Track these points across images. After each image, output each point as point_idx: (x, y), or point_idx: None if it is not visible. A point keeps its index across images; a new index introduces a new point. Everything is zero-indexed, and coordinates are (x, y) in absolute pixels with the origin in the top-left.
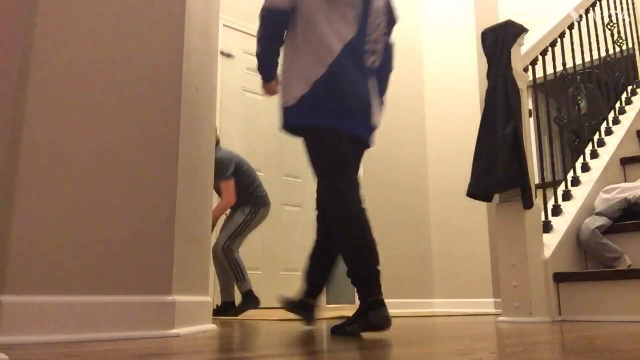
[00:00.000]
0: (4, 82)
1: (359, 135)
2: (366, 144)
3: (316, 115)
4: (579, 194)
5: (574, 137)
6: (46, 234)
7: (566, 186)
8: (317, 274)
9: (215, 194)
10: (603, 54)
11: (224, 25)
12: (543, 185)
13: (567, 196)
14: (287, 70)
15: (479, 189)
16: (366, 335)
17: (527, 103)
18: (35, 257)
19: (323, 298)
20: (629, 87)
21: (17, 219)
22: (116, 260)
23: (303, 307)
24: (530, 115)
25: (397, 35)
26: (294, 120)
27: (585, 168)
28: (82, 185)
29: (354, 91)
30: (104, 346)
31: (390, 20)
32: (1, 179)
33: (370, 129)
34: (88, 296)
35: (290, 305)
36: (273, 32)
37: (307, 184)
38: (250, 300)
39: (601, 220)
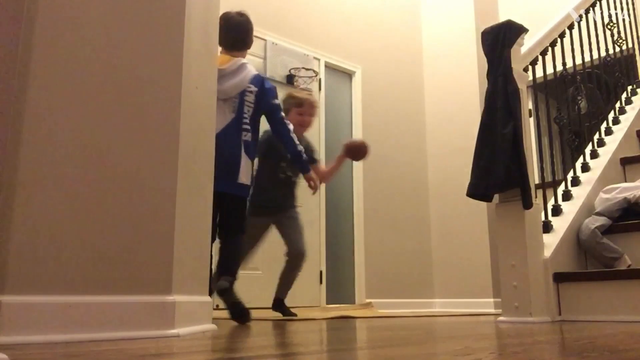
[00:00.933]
0: (3, 82)
1: (223, 191)
2: (234, 195)
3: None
4: (579, 194)
5: (574, 137)
6: (46, 234)
7: (566, 186)
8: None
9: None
10: (603, 54)
11: None
12: (543, 185)
13: (567, 196)
14: None
15: (478, 189)
16: (366, 335)
17: (527, 103)
18: (35, 257)
19: (323, 298)
20: (629, 87)
21: (17, 219)
22: (116, 260)
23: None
24: (530, 115)
25: (398, 35)
26: None
27: (585, 168)
28: (82, 185)
29: (221, 162)
30: (104, 346)
31: (263, 106)
32: (1, 179)
33: (236, 185)
34: (88, 296)
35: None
36: None
37: (307, 183)
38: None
39: (601, 220)
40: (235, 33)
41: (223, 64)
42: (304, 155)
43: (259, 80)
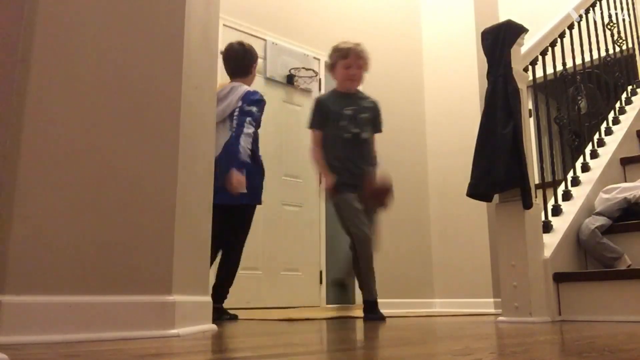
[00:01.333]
0: (4, 82)
1: (221, 203)
2: (231, 206)
3: None
4: (579, 194)
5: (574, 137)
6: (46, 234)
7: (566, 186)
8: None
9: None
10: (603, 54)
11: (224, 25)
12: (543, 185)
13: (567, 196)
14: None
15: (479, 189)
16: (366, 335)
17: (527, 103)
18: (35, 257)
19: (323, 298)
20: (629, 87)
21: (17, 219)
22: (116, 260)
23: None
24: (530, 115)
25: (398, 35)
26: None
27: (585, 168)
28: (82, 185)
29: (222, 178)
30: (104, 346)
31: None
32: (1, 179)
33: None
34: (88, 296)
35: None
36: None
37: (307, 184)
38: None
39: (601, 220)
40: (235, 61)
41: (217, 89)
42: (241, 158)
43: (249, 95)
